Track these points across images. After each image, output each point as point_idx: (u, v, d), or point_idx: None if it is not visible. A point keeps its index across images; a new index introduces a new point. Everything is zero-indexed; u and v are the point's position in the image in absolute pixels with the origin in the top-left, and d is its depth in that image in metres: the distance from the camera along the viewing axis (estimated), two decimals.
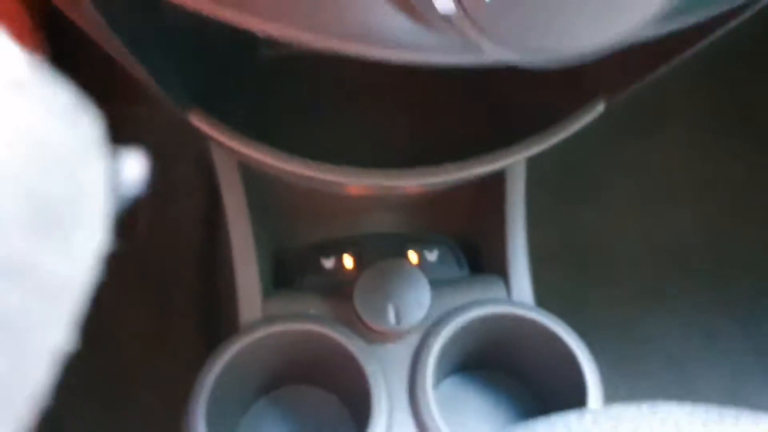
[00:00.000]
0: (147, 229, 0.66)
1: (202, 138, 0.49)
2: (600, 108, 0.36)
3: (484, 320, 0.45)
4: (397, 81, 0.45)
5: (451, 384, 0.49)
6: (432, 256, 0.51)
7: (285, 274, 0.53)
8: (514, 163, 0.48)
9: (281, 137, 0.35)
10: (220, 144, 0.34)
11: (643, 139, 0.78)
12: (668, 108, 0.80)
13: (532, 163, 0.49)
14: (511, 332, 0.45)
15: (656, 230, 0.74)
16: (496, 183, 0.48)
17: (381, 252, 0.47)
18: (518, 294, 0.47)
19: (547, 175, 0.66)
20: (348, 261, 0.50)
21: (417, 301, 0.44)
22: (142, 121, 0.73)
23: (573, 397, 0.44)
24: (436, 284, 0.45)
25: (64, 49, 0.70)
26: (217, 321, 0.60)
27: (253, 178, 0.48)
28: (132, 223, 0.67)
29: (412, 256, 0.50)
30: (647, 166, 0.77)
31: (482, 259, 0.52)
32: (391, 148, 0.41)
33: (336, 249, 0.51)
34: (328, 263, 0.50)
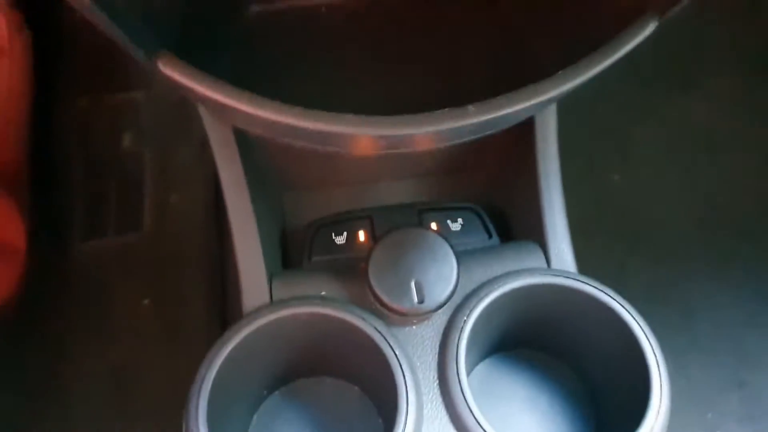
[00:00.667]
0: (151, 218, 0.64)
1: (200, 118, 0.45)
2: (651, 27, 0.30)
3: (521, 293, 0.39)
4: (403, 24, 0.39)
5: (485, 368, 0.43)
6: (455, 225, 0.45)
7: (293, 254, 0.48)
8: (544, 110, 0.42)
9: (273, 93, 0.30)
10: (196, 95, 0.29)
11: (677, 96, 0.73)
12: (704, 63, 0.74)
13: (560, 125, 0.44)
14: (553, 306, 0.40)
15: (695, 192, 0.69)
16: (523, 134, 0.42)
17: (397, 224, 0.41)
18: (558, 261, 0.41)
19: (576, 138, 0.62)
20: (361, 236, 0.45)
21: (442, 275, 0.38)
22: (142, 107, 0.70)
23: (629, 379, 0.38)
24: (462, 256, 0.40)
25: (61, 38, 0.68)
26: (225, 309, 0.57)
27: (250, 149, 0.43)
28: (136, 211, 0.64)
29: (433, 227, 0.45)
30: (683, 124, 0.72)
31: (513, 225, 0.46)
32: (400, 100, 0.35)
33: (347, 223, 0.45)
34: (340, 239, 0.45)
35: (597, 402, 0.43)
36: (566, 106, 0.44)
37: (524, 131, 0.43)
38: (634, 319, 0.38)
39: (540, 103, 0.31)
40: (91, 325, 0.58)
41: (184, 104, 0.65)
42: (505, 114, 0.30)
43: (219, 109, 0.35)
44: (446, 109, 0.29)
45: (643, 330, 0.38)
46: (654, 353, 0.37)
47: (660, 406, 0.36)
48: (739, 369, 0.62)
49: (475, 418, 0.36)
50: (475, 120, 0.29)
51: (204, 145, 0.61)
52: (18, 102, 0.57)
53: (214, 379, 0.36)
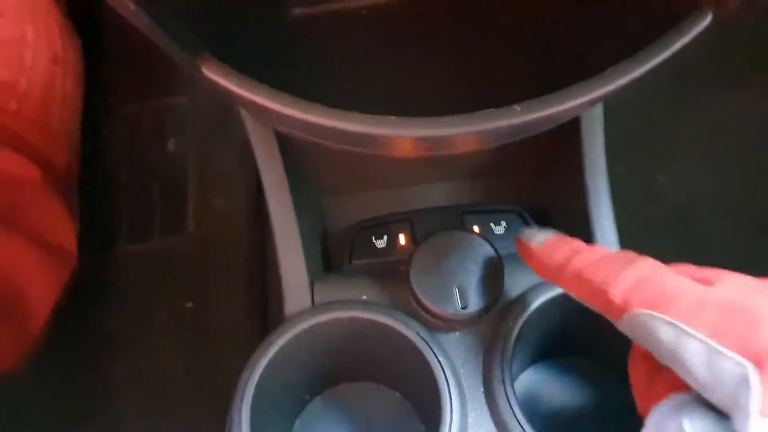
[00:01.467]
0: (195, 221, 0.64)
1: (242, 122, 0.45)
2: (706, 21, 0.29)
3: (568, 299, 0.38)
4: (442, 24, 0.39)
5: (531, 376, 0.42)
6: (499, 228, 0.44)
7: (334, 258, 0.48)
8: (591, 109, 0.41)
9: (315, 96, 0.30)
10: (238, 99, 0.28)
11: (726, 93, 0.70)
12: (755, 59, 0.71)
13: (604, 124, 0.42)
14: None
15: (747, 193, 0.66)
16: (568, 135, 0.41)
17: (438, 226, 0.40)
18: None
19: (620, 138, 0.60)
20: (402, 239, 0.44)
21: (486, 279, 0.38)
22: (187, 112, 0.71)
23: None
24: (507, 260, 0.39)
25: (108, 44, 0.69)
26: (266, 313, 0.57)
27: (292, 152, 0.43)
28: (180, 215, 0.65)
29: (475, 230, 0.44)
30: (732, 123, 0.69)
31: (558, 228, 0.45)
32: (442, 101, 0.34)
33: (387, 226, 0.45)
34: (380, 243, 0.44)
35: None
36: (610, 104, 0.43)
37: (569, 131, 0.42)
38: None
39: (589, 102, 0.30)
40: (135, 327, 0.59)
41: (227, 109, 0.66)
42: (553, 113, 0.29)
43: (261, 113, 0.35)
44: (491, 109, 0.29)
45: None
46: None
47: None
48: None
49: (521, 426, 0.35)
50: (521, 119, 0.29)
51: (246, 149, 0.62)
52: (71, 107, 0.59)
53: (257, 384, 0.36)
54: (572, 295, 0.31)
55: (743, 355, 0.23)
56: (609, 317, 0.28)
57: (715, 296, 0.25)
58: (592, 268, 0.29)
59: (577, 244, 0.32)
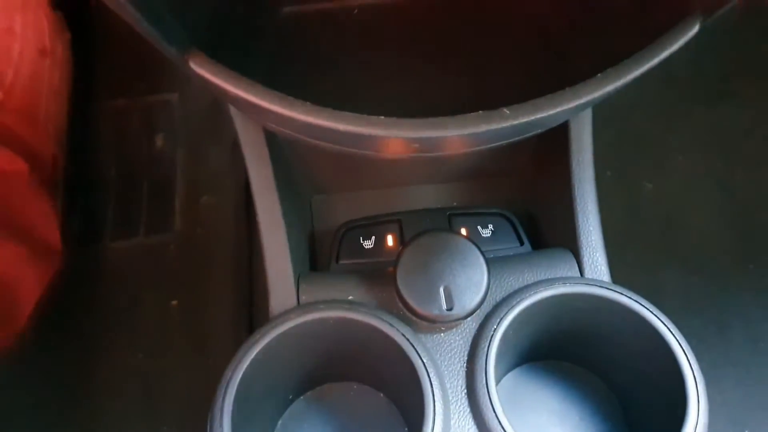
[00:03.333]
0: (182, 219, 0.64)
1: (231, 121, 0.45)
2: (694, 29, 0.29)
3: (553, 302, 0.38)
4: (434, 26, 0.39)
5: (514, 378, 0.42)
6: (486, 231, 0.44)
7: (321, 257, 0.48)
8: (580, 114, 0.41)
9: (304, 93, 0.30)
10: (226, 95, 0.28)
11: (712, 103, 0.71)
12: (739, 71, 0.72)
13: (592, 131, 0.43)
14: (585, 316, 0.39)
15: (730, 201, 0.67)
16: (557, 139, 0.41)
17: (426, 228, 0.40)
18: (592, 270, 0.40)
19: (608, 145, 0.60)
20: (389, 240, 0.44)
21: (472, 281, 0.38)
22: (175, 109, 0.70)
23: (663, 393, 0.37)
24: (493, 262, 0.39)
25: (97, 39, 0.69)
26: (252, 311, 0.57)
27: (281, 150, 0.43)
28: (167, 212, 0.64)
29: (463, 232, 0.44)
30: (717, 132, 0.69)
31: (545, 232, 0.45)
32: (432, 102, 0.35)
33: (376, 227, 0.45)
34: (368, 243, 0.44)
35: (629, 416, 0.41)
36: (598, 111, 0.43)
37: (558, 136, 0.42)
38: (671, 332, 0.37)
39: (577, 107, 0.30)
40: (119, 324, 0.58)
41: (217, 106, 0.66)
42: (542, 117, 0.29)
43: (250, 109, 0.35)
44: (481, 112, 0.29)
45: (680, 344, 0.36)
46: (691, 368, 0.36)
47: (697, 423, 0.35)
48: None
49: (503, 428, 0.35)
50: (510, 123, 0.29)
51: (235, 147, 0.61)
52: (58, 101, 0.58)
53: (240, 382, 0.36)
54: None
55: None
56: None
57: None
58: None
59: None
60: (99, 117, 0.68)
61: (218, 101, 0.52)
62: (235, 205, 0.64)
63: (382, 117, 0.29)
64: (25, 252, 0.49)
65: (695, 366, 0.36)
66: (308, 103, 0.28)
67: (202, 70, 0.27)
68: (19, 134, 0.52)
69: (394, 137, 0.29)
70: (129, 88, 0.70)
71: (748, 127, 0.70)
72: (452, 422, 0.37)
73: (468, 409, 0.37)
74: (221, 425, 0.35)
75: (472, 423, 0.36)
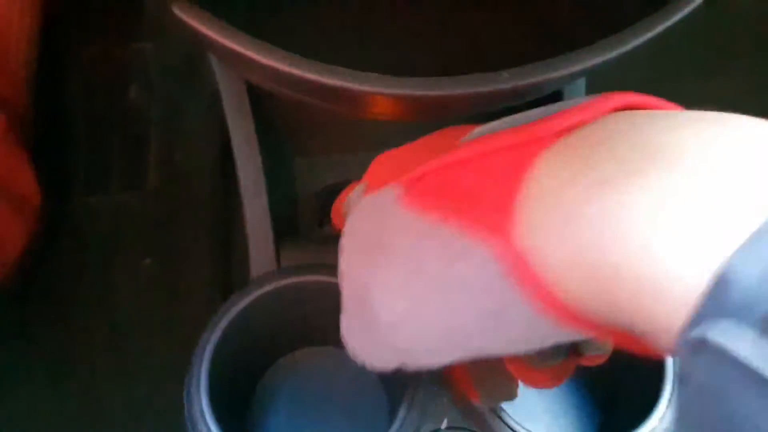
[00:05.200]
0: (156, 175, 0.62)
1: (212, 72, 0.43)
2: (697, 1, 0.28)
3: None
4: None
5: None
6: None
7: (303, 221, 0.46)
8: (574, 82, 0.40)
9: (291, 45, 0.28)
10: (210, 44, 0.27)
11: (703, 79, 0.70)
12: (733, 46, 0.72)
13: None
14: None
15: None
16: None
17: None
18: None
19: None
20: None
21: None
22: (151, 60, 0.67)
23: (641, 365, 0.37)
24: None
25: None
26: (231, 275, 0.56)
27: (264, 107, 0.41)
28: (140, 168, 0.62)
29: None
30: (706, 107, 0.69)
31: None
32: (423, 64, 0.33)
33: None
34: None
35: (606, 386, 0.42)
36: (590, 82, 0.42)
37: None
38: None
39: (575, 73, 0.29)
40: (91, 282, 0.57)
41: (195, 59, 0.63)
42: (539, 81, 0.28)
43: (232, 60, 0.33)
44: (477, 74, 0.28)
45: None
46: None
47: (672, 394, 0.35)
48: None
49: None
50: (506, 86, 0.28)
51: (213, 103, 0.59)
52: (29, 48, 0.55)
53: (218, 345, 0.35)
54: None
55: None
56: None
57: None
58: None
59: None
60: (69, 66, 0.65)
61: (199, 52, 0.49)
62: (212, 163, 0.62)
63: (374, 73, 0.27)
64: (5, 207, 0.47)
65: None
66: (295, 55, 0.26)
67: (185, 15, 0.26)
68: None
69: (384, 95, 0.28)
70: (102, 35, 0.66)
71: (739, 101, 0.70)
72: (432, 388, 0.36)
73: (449, 375, 0.37)
74: (198, 388, 0.34)
75: (454, 389, 0.36)
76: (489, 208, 0.20)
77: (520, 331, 0.21)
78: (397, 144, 0.49)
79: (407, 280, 0.23)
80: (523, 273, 0.19)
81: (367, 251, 0.25)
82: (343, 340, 0.27)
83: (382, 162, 0.29)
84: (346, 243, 0.27)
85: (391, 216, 0.24)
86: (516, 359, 0.29)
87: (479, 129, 0.25)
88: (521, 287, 0.19)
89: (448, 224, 0.21)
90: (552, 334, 0.20)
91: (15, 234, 0.48)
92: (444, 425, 0.36)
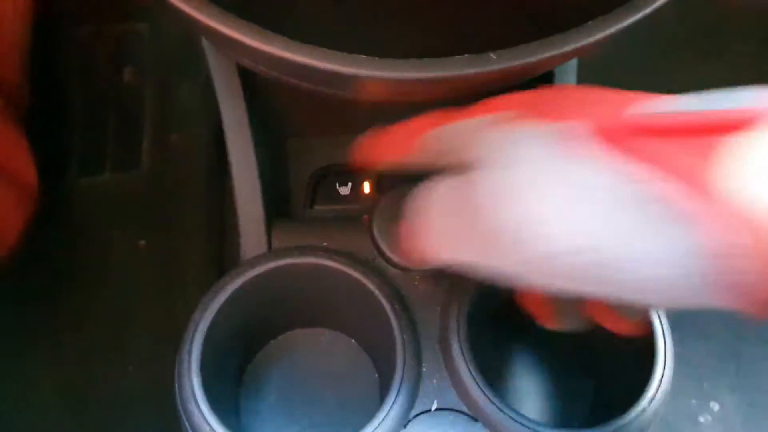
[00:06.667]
0: (150, 156, 0.62)
1: (204, 54, 0.42)
2: None
3: None
4: None
5: (487, 328, 0.42)
6: None
7: (295, 202, 0.46)
8: (566, 64, 0.40)
9: (282, 28, 0.28)
10: (202, 27, 0.26)
11: (697, 63, 0.70)
12: (731, 27, 0.71)
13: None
14: None
15: None
16: None
17: (405, 177, 0.39)
18: None
19: None
20: (366, 187, 0.43)
21: None
22: (146, 41, 0.67)
23: (632, 348, 0.37)
24: None
25: None
26: (225, 256, 0.56)
27: (256, 89, 0.41)
28: (135, 149, 0.62)
29: None
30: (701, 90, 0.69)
31: None
32: (415, 46, 0.33)
33: (353, 173, 0.43)
34: (344, 189, 0.43)
35: (597, 368, 0.42)
36: (582, 65, 0.42)
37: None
38: None
39: (566, 54, 0.29)
40: (86, 263, 0.57)
41: (189, 40, 0.63)
42: (529, 62, 0.28)
43: (224, 43, 0.33)
44: (467, 55, 0.27)
45: None
46: (661, 323, 0.37)
47: (663, 375, 0.36)
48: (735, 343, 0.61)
49: (473, 376, 0.35)
50: (496, 67, 0.28)
51: (207, 83, 0.59)
52: (23, 26, 0.54)
53: (209, 326, 0.36)
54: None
55: None
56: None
57: None
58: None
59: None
60: (63, 45, 0.64)
61: (191, 34, 0.49)
62: (207, 144, 0.62)
63: (364, 56, 0.27)
64: (3, 188, 0.47)
65: (664, 320, 0.37)
66: (285, 38, 0.26)
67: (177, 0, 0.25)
68: None
69: (375, 77, 0.28)
70: (97, 15, 0.66)
71: (732, 87, 0.69)
72: (423, 370, 0.37)
73: (440, 357, 0.37)
74: (189, 369, 0.34)
75: (444, 371, 0.37)
76: (699, 180, 0.20)
77: (684, 297, 0.21)
78: (388, 124, 0.49)
79: (585, 210, 0.22)
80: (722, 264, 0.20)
81: (536, 173, 0.24)
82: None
83: (531, 99, 0.28)
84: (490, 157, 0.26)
85: (576, 151, 0.23)
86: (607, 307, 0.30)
87: (665, 104, 0.25)
88: (714, 278, 0.20)
89: (650, 183, 0.21)
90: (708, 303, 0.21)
91: (14, 216, 0.48)
92: (434, 407, 0.36)
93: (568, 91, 0.29)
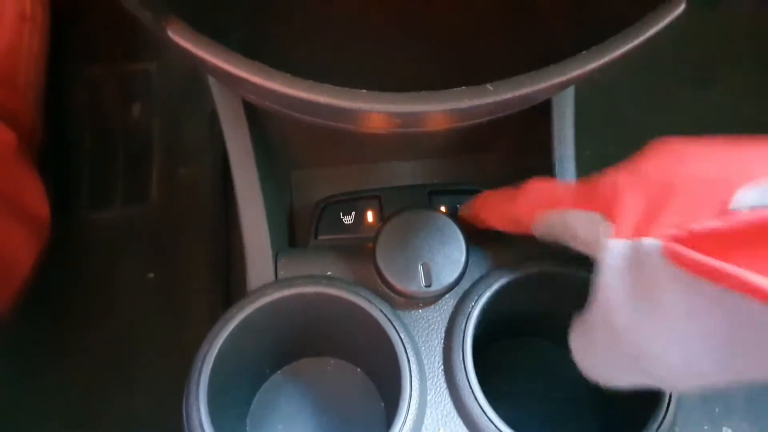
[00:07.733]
0: (158, 190, 0.63)
1: (209, 90, 0.44)
2: (681, 7, 0.29)
3: (532, 280, 0.38)
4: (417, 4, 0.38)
5: (492, 355, 0.43)
6: None
7: (300, 232, 0.47)
8: (562, 92, 0.41)
9: (284, 64, 0.29)
10: (205, 65, 0.28)
11: (695, 89, 0.71)
12: (722, 56, 0.72)
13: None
14: (565, 295, 0.39)
15: None
16: (539, 117, 0.41)
17: (406, 205, 0.40)
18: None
19: (588, 126, 0.60)
20: (369, 216, 0.44)
21: (450, 258, 0.38)
22: (154, 78, 0.69)
23: None
24: (472, 239, 0.39)
25: (73, 5, 0.66)
26: (231, 287, 0.56)
27: (260, 123, 0.42)
28: (144, 183, 0.63)
29: (442, 209, 0.44)
30: (698, 117, 0.70)
31: None
32: (414, 77, 0.34)
33: (355, 203, 0.44)
34: (347, 219, 0.44)
35: (605, 392, 0.42)
36: (579, 92, 0.43)
37: (540, 114, 0.42)
38: None
39: (561, 83, 0.30)
40: (94, 296, 0.58)
41: (195, 77, 0.64)
42: (525, 93, 0.29)
43: (228, 80, 0.34)
44: (464, 87, 0.28)
45: None
46: None
47: (670, 401, 0.36)
48: None
49: (479, 404, 0.35)
50: (493, 99, 0.28)
51: (213, 118, 0.60)
52: (38, 68, 0.56)
53: (216, 357, 0.36)
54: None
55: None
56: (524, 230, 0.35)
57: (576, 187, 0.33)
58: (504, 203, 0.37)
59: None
60: (75, 84, 0.66)
61: (197, 71, 0.50)
62: (213, 177, 0.63)
63: (365, 91, 0.28)
64: (17, 224, 0.48)
65: None
66: (288, 74, 0.27)
67: (181, 38, 0.26)
68: (2, 102, 0.50)
69: (375, 111, 0.29)
70: (106, 56, 0.68)
71: (730, 113, 0.70)
72: (429, 398, 0.37)
73: (445, 385, 0.37)
74: (197, 399, 0.35)
75: (449, 399, 0.37)
76: None
77: None
78: (392, 156, 0.50)
79: (683, 334, 0.26)
80: None
81: (634, 298, 0.28)
82: (577, 359, 0.34)
83: (620, 196, 0.30)
84: (606, 282, 0.29)
85: (658, 269, 0.26)
86: None
87: (751, 195, 0.26)
88: None
89: (732, 291, 0.23)
90: None
91: (27, 250, 0.49)
92: None
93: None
